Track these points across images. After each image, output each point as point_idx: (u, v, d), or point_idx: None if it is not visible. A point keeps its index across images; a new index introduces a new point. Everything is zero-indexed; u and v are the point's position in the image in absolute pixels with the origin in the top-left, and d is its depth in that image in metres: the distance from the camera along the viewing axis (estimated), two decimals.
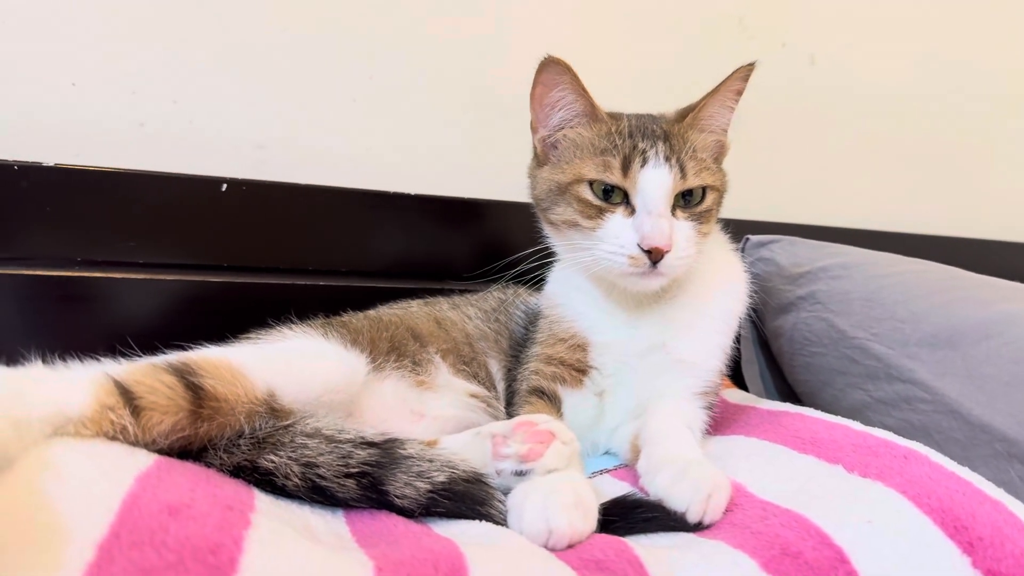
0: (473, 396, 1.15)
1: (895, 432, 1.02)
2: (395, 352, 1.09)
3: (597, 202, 1.06)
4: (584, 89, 1.08)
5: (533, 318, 1.24)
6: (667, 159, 1.04)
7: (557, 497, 0.81)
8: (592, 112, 1.10)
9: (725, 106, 1.13)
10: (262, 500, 0.75)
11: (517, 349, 1.23)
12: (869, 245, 1.53)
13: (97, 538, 0.56)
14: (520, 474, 0.86)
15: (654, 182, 1.04)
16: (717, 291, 1.16)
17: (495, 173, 1.59)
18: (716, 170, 1.13)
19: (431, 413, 1.08)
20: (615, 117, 1.11)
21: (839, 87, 2.01)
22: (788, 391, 1.50)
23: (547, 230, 1.16)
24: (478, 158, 1.61)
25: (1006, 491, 0.86)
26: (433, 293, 1.34)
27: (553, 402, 1.12)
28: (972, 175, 2.23)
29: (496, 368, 1.23)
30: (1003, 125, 2.25)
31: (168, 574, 0.55)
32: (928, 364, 1.17)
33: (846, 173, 2.07)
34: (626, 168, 1.04)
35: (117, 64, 1.33)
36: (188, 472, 0.71)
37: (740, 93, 1.13)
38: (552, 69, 1.07)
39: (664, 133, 1.08)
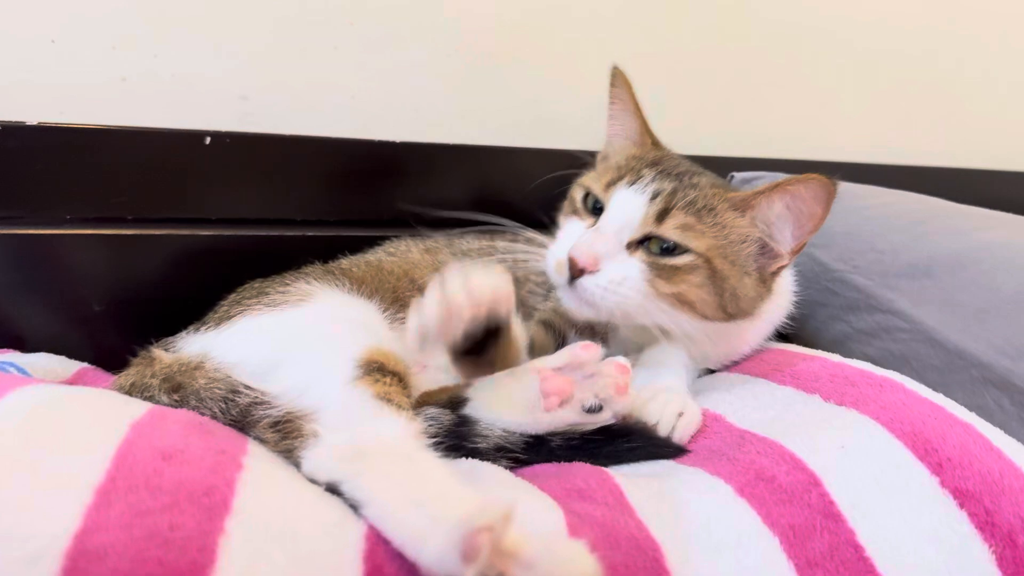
0: None
1: (875, 361, 1.04)
2: (398, 303, 1.08)
3: (578, 204, 1.06)
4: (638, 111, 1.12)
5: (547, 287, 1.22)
6: (654, 194, 0.98)
7: None
8: (640, 138, 1.12)
9: (785, 215, 1.00)
10: (255, 445, 0.77)
11: (528, 310, 1.22)
12: (859, 178, 1.53)
13: (95, 483, 0.59)
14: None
15: (620, 203, 0.99)
16: None
17: (482, 118, 1.60)
18: (728, 258, 0.99)
19: (434, 363, 1.06)
20: (659, 149, 1.12)
21: (828, 16, 1.98)
22: None
23: None
24: (464, 104, 1.61)
25: (981, 415, 0.89)
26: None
27: (556, 338, 1.12)
28: (964, 104, 2.22)
29: None
30: (995, 54, 2.23)
31: (165, 515, 0.58)
32: (907, 294, 1.19)
33: (835, 106, 2.05)
34: (613, 183, 1.02)
35: (95, 19, 1.32)
36: (181, 420, 0.73)
37: (814, 218, 0.99)
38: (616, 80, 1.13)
39: (687, 184, 1.01)
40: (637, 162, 1.05)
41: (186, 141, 1.30)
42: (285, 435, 0.77)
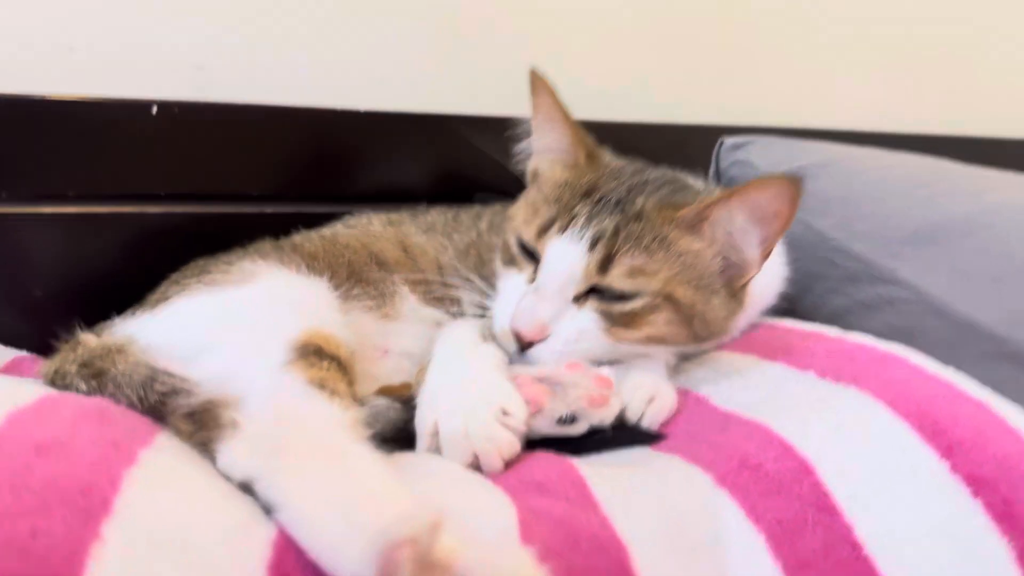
0: (441, 325, 1.08)
1: (878, 336, 0.95)
2: (354, 277, 1.00)
3: (514, 252, 0.94)
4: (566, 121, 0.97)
5: None
6: (593, 241, 0.86)
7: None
8: (572, 152, 0.98)
9: (746, 226, 0.86)
10: (167, 438, 0.67)
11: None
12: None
13: None
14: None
15: (556, 257, 0.87)
16: None
17: (456, 88, 1.51)
18: (690, 283, 0.88)
19: (396, 348, 0.98)
20: (593, 165, 0.97)
21: None
22: None
23: None
24: (437, 72, 1.51)
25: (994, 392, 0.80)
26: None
27: None
28: (971, 70, 2.12)
29: (468, 302, 1.14)
30: (1001, 17, 2.13)
31: (26, 520, 0.48)
32: (911, 262, 1.10)
33: (833, 73, 1.96)
34: (545, 229, 0.90)
35: None
36: (76, 409, 0.64)
37: (780, 217, 0.84)
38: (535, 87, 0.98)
39: (631, 214, 0.87)
40: (569, 195, 0.92)
41: (131, 111, 1.20)
42: (201, 426, 0.67)
